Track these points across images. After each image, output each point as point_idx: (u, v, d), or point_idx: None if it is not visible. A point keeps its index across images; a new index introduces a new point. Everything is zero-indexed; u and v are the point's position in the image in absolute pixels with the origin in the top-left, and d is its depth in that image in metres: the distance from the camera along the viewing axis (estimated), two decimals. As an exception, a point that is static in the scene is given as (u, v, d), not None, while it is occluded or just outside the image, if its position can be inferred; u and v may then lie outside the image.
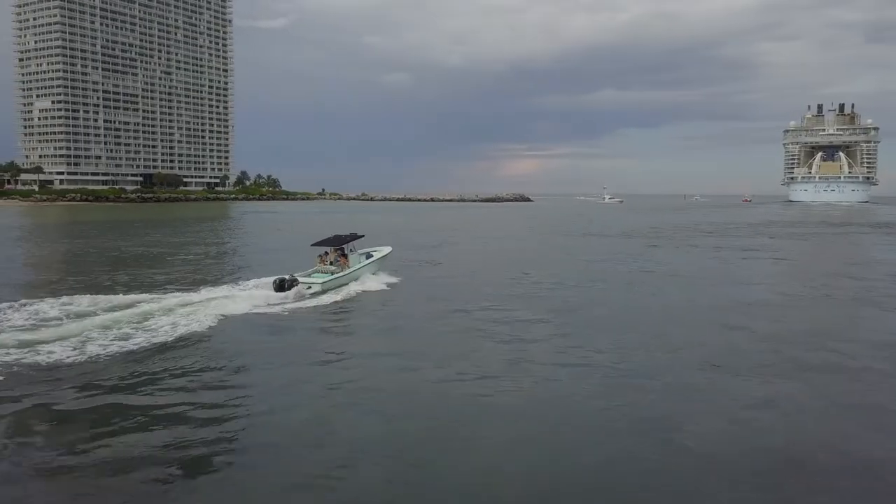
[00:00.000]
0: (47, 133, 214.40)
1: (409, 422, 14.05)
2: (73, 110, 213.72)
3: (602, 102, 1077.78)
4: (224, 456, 12.05)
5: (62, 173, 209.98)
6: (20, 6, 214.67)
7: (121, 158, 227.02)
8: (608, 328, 23.49)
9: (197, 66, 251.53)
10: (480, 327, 23.22)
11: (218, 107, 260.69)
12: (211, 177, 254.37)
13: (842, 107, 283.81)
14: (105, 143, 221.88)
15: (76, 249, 53.87)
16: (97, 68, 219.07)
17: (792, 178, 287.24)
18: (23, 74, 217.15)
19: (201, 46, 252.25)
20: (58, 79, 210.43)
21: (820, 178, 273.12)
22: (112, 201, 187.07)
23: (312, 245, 33.84)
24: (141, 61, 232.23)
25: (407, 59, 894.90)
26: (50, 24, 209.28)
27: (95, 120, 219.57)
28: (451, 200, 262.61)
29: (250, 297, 27.19)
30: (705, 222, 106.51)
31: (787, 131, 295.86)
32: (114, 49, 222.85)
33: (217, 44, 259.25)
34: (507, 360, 18.70)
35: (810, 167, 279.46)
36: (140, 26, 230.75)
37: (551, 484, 11.25)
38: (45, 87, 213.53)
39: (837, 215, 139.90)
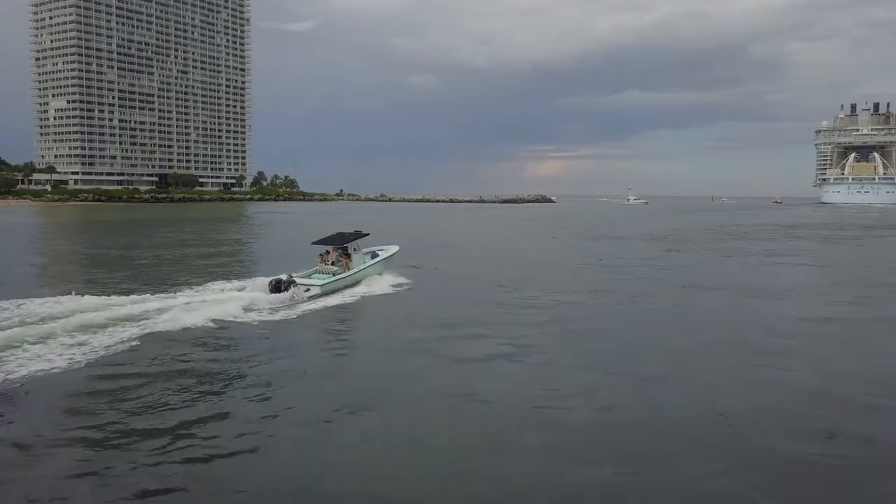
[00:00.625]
0: (62, 133, 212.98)
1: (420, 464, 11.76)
2: (89, 110, 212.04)
3: (629, 103, 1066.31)
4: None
5: (77, 173, 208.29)
6: (36, 5, 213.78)
7: (136, 158, 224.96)
8: (586, 365, 18.33)
9: (214, 65, 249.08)
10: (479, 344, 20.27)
11: (235, 106, 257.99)
12: (227, 177, 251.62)
13: (876, 106, 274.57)
14: (120, 143, 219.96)
15: (64, 249, 52.39)
16: (113, 67, 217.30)
17: (824, 180, 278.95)
18: (39, 74, 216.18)
19: (218, 45, 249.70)
20: (73, 78, 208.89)
21: (853, 179, 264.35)
22: (125, 202, 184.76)
23: (313, 243, 31.73)
24: (157, 60, 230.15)
25: (433, 60, 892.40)
26: (65, 23, 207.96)
27: (111, 119, 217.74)
28: (470, 201, 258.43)
29: (242, 299, 25.18)
30: (733, 224, 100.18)
31: (819, 131, 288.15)
32: (130, 48, 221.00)
33: (234, 43, 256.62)
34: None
35: (843, 168, 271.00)
36: (156, 25, 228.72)
37: None
38: (61, 87, 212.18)
39: (872, 217, 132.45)
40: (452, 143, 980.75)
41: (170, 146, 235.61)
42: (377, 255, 32.86)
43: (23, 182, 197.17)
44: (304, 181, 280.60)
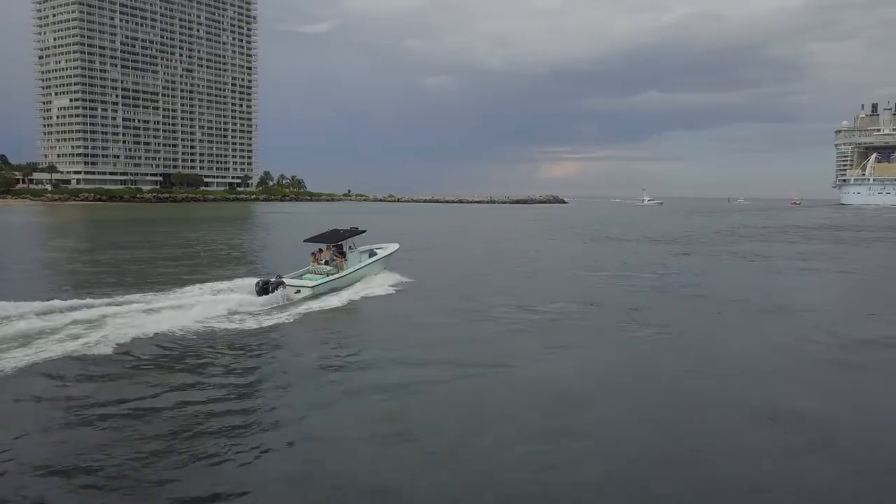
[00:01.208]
0: (65, 132, 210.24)
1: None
2: (91, 108, 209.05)
3: (645, 104, 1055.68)
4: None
5: (79, 173, 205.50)
6: (39, 3, 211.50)
7: (140, 158, 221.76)
8: (549, 412, 13.69)
9: (220, 63, 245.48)
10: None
11: (241, 105, 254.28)
12: (233, 177, 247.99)
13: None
14: (124, 142, 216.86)
15: (51, 247, 50.66)
16: (116, 65, 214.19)
17: (844, 181, 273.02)
18: (42, 72, 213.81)
19: (224, 43, 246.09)
20: (76, 76, 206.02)
21: (874, 180, 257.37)
22: (127, 201, 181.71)
23: (305, 241, 29.70)
24: (161, 58, 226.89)
25: (448, 62, 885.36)
26: (68, 20, 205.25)
27: (114, 118, 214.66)
28: (479, 202, 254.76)
29: (225, 302, 23.38)
30: (750, 225, 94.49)
31: (840, 132, 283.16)
32: (133, 46, 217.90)
33: (241, 41, 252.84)
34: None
35: (864, 169, 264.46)
36: (161, 23, 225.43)
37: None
38: (64, 85, 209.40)
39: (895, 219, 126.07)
40: (467, 144, 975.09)
41: (174, 145, 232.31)
42: (375, 254, 30.81)
43: (23, 181, 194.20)
44: (316, 182, 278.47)
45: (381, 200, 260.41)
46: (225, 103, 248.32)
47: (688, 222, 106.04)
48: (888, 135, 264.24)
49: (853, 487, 10.29)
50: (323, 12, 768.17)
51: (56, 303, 21.79)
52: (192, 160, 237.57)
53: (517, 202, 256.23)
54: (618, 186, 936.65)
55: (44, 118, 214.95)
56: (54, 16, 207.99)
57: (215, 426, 12.32)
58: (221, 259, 41.77)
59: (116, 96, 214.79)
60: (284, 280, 25.44)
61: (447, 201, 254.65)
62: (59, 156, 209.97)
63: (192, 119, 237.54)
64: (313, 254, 29.03)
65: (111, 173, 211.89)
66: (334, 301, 25.11)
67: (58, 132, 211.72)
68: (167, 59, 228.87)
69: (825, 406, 14.11)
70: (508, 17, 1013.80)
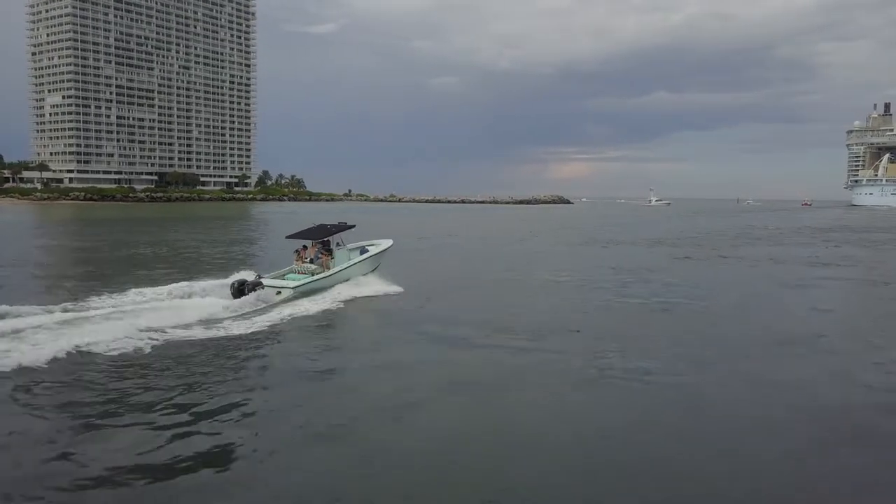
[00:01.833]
0: (58, 129, 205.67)
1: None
2: (85, 105, 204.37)
3: (655, 105, 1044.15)
4: None
5: (72, 171, 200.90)
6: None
7: (134, 156, 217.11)
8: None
9: (217, 60, 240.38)
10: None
11: (240, 103, 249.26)
12: (231, 176, 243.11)
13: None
14: (118, 141, 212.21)
15: (25, 246, 48.52)
16: (110, 62, 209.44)
17: (856, 181, 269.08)
18: (35, 69, 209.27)
19: (222, 40, 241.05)
20: (68, 73, 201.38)
21: (887, 180, 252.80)
22: (119, 201, 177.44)
23: (288, 237, 27.90)
24: (157, 55, 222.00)
25: (455, 62, 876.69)
26: (61, 15, 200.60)
27: (108, 116, 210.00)
28: (482, 202, 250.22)
29: (193, 306, 21.36)
30: (761, 227, 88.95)
31: (851, 132, 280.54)
32: (128, 42, 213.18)
33: (239, 37, 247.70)
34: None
35: (876, 169, 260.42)
36: (157, 19, 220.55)
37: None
38: (57, 82, 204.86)
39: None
40: (475, 145, 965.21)
41: (170, 144, 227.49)
42: (367, 251, 28.50)
43: (12, 180, 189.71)
44: (321, 183, 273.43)
45: (381, 200, 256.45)
46: (223, 101, 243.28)
47: (697, 223, 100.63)
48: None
49: None
50: (328, 13, 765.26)
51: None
52: (189, 159, 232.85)
53: (521, 202, 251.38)
54: (627, 187, 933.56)
55: (37, 116, 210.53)
56: (47, 11, 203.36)
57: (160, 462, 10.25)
58: (202, 260, 39.19)
59: (110, 93, 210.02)
60: (263, 280, 23.51)
61: (449, 201, 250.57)
62: (51, 154, 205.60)
63: (188, 117, 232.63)
64: (297, 251, 26.88)
65: (105, 172, 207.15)
66: (316, 305, 22.70)
67: (51, 130, 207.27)
68: (163, 56, 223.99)
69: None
70: (516, 17, 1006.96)
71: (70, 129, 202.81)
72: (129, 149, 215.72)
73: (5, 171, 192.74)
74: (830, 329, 21.32)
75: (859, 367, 16.58)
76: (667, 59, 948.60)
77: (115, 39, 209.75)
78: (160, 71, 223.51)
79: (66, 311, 19.90)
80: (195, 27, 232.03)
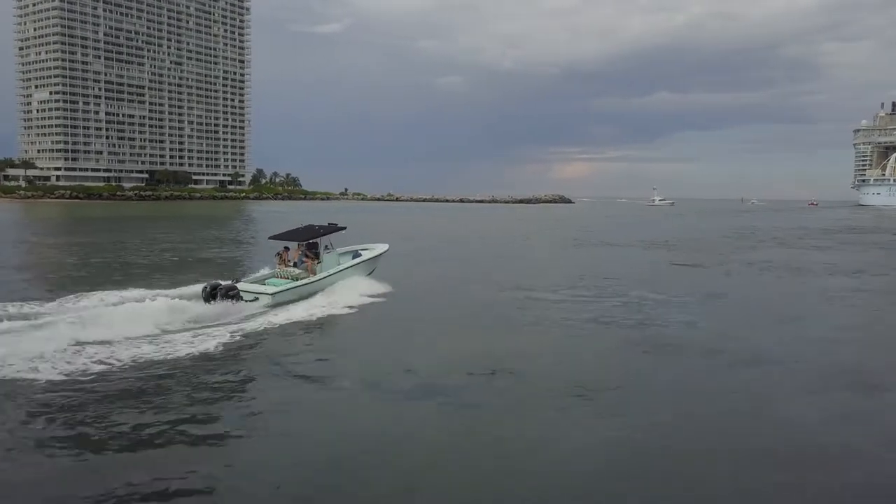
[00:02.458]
0: (45, 126, 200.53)
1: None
2: (73, 101, 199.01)
3: (659, 105, 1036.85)
4: None
5: (59, 169, 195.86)
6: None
7: (124, 154, 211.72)
8: None
9: (210, 56, 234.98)
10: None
11: (233, 100, 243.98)
12: (224, 175, 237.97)
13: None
14: (107, 138, 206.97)
15: None
16: (99, 57, 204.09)
17: (863, 181, 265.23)
18: (23, 64, 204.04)
19: (216, 35, 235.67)
20: (56, 68, 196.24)
21: (895, 180, 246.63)
22: (106, 199, 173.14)
23: (271, 238, 25.92)
24: (148, 50, 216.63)
25: (460, 62, 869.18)
26: (49, 9, 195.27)
27: (97, 112, 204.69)
28: (481, 201, 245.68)
29: (154, 312, 18.05)
30: (767, 228, 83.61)
31: (858, 131, 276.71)
32: (118, 37, 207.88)
33: (233, 33, 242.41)
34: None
35: (884, 168, 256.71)
36: (147, 13, 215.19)
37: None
38: (44, 78, 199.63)
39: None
40: (477, 145, 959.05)
41: (161, 141, 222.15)
42: (360, 255, 26.17)
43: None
44: (322, 183, 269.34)
45: (379, 199, 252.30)
46: (216, 98, 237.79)
47: (700, 224, 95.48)
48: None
49: None
50: (334, 12, 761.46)
51: None
52: (181, 157, 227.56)
53: (521, 202, 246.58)
54: (630, 187, 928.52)
55: (24, 112, 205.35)
56: (35, 5, 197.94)
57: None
58: (178, 260, 36.54)
59: (99, 89, 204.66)
60: (238, 285, 21.17)
61: (447, 200, 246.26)
62: (39, 151, 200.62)
63: (180, 114, 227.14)
64: (278, 254, 24.63)
65: (93, 170, 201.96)
66: (299, 312, 20.20)
67: (38, 127, 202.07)
68: (154, 52, 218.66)
69: None
70: (521, 16, 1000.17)
71: (57, 125, 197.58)
72: (119, 146, 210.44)
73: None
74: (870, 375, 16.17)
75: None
76: (670, 58, 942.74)
77: (104, 34, 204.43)
78: (151, 67, 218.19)
79: None
80: (187, 22, 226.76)
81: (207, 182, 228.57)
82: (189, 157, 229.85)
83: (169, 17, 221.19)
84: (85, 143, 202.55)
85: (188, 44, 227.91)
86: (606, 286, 28.03)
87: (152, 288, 22.95)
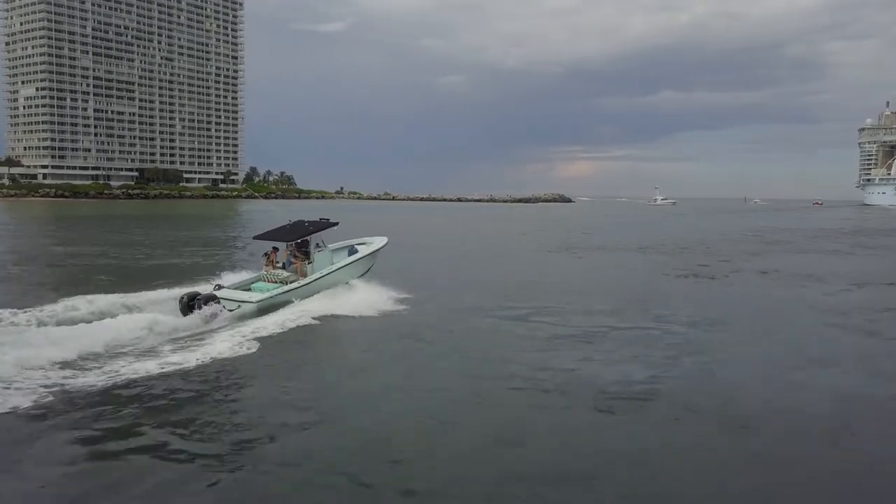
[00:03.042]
0: (32, 123, 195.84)
1: None
2: (60, 98, 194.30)
3: (662, 104, 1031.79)
4: None
5: (46, 167, 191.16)
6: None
7: (113, 152, 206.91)
8: None
9: (203, 52, 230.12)
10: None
11: (226, 97, 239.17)
12: (216, 173, 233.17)
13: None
14: (95, 135, 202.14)
15: None
16: (87, 53, 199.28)
17: (868, 180, 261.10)
18: (9, 59, 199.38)
19: (208, 31, 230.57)
20: (42, 63, 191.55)
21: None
22: (93, 197, 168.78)
23: (256, 238, 23.40)
24: (138, 46, 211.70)
25: (463, 61, 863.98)
26: (35, 3, 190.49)
27: (84, 109, 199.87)
28: (479, 200, 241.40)
29: (123, 325, 16.34)
30: (774, 229, 78.83)
31: (863, 130, 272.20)
32: (107, 32, 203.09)
33: (226, 28, 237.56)
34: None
35: (889, 168, 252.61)
36: (137, 8, 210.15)
37: None
38: (30, 73, 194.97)
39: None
40: (480, 144, 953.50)
41: (152, 139, 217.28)
42: (356, 251, 24.18)
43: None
44: (319, 181, 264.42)
45: (375, 198, 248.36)
46: (208, 94, 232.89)
47: (702, 225, 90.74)
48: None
49: None
50: (338, 11, 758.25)
51: None
52: (172, 155, 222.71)
53: (519, 201, 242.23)
54: (633, 186, 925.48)
55: (10, 109, 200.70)
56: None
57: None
58: (154, 265, 33.84)
59: (87, 85, 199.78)
60: (219, 293, 19.37)
61: (445, 200, 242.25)
62: (25, 149, 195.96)
63: (171, 111, 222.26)
64: (266, 255, 22.45)
65: (81, 168, 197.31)
66: (289, 320, 18.32)
67: (24, 123, 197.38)
68: (144, 47, 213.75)
69: None
70: (524, 16, 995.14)
71: (44, 122, 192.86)
72: (108, 144, 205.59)
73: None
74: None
75: None
76: (674, 58, 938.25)
77: (93, 29, 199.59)
78: (141, 62, 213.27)
79: None
80: (178, 17, 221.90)
81: (199, 180, 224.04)
82: (181, 155, 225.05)
83: (160, 12, 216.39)
84: (73, 141, 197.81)
85: (180, 39, 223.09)
86: (580, 307, 23.26)
87: (126, 293, 20.76)
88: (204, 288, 20.38)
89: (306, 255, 22.39)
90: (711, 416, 12.04)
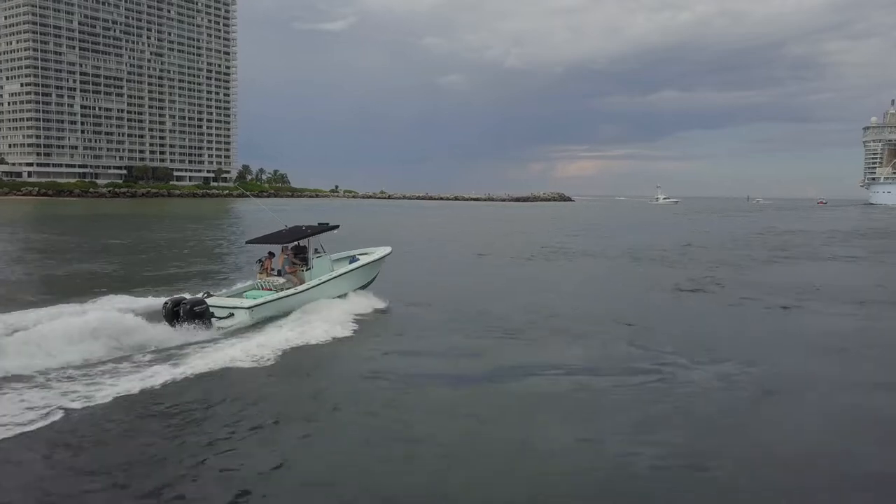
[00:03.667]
0: (16, 120, 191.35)
1: None
2: (45, 94, 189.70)
3: (664, 104, 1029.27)
4: None
5: (31, 165, 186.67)
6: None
7: (101, 149, 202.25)
8: None
9: (193, 47, 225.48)
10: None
11: (218, 93, 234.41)
12: (208, 171, 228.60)
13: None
14: (82, 132, 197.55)
15: None
16: (74, 48, 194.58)
17: (873, 179, 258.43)
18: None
19: (199, 26, 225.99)
20: (27, 59, 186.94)
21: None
22: (78, 196, 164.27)
23: (248, 242, 22.29)
24: (127, 41, 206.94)
25: (465, 59, 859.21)
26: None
27: (71, 105, 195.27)
28: (476, 199, 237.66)
29: (103, 332, 14.71)
30: (781, 230, 74.07)
31: (868, 128, 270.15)
32: (94, 27, 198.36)
33: (218, 24, 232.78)
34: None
35: (895, 167, 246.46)
36: (126, 2, 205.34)
37: None
38: (15, 69, 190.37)
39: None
40: (482, 143, 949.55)
41: (141, 136, 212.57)
42: (357, 260, 22.20)
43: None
44: (317, 180, 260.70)
45: (370, 197, 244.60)
46: (199, 91, 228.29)
47: (704, 226, 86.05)
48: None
49: None
50: (341, 10, 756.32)
51: None
52: (162, 152, 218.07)
53: (518, 200, 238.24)
54: (635, 185, 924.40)
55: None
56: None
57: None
58: (134, 268, 31.52)
59: (74, 81, 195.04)
60: (209, 300, 17.28)
61: (441, 198, 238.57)
62: (10, 146, 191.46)
63: (161, 107, 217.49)
64: (260, 261, 20.86)
65: (68, 166, 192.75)
66: (283, 331, 16.53)
67: (9, 120, 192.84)
68: (133, 42, 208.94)
69: None
70: (526, 15, 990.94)
71: (29, 119, 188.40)
72: (95, 141, 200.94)
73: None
74: None
75: None
76: (676, 57, 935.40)
77: (79, 23, 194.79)
78: (129, 58, 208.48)
79: None
80: (168, 11, 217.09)
81: (190, 178, 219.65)
82: (171, 153, 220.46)
83: (149, 7, 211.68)
84: (59, 138, 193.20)
85: (170, 34, 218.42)
86: (559, 354, 18.49)
87: (111, 295, 20.13)
88: (191, 294, 18.47)
89: (304, 262, 20.84)
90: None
